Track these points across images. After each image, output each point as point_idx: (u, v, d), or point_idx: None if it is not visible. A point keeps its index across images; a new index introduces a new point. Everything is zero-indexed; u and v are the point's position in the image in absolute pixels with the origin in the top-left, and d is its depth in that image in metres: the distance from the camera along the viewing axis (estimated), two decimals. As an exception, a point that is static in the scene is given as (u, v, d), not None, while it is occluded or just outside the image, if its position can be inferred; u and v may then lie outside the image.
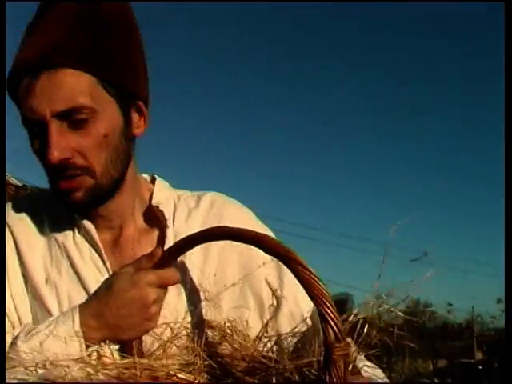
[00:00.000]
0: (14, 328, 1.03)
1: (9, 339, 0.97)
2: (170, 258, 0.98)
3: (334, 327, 0.76)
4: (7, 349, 0.95)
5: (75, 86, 0.95)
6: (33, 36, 0.98)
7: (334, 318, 0.76)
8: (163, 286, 0.97)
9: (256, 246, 0.88)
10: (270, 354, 0.92)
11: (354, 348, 0.85)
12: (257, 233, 0.89)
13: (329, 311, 0.76)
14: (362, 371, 0.89)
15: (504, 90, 1.61)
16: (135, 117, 1.05)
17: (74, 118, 0.96)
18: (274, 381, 0.84)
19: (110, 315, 0.94)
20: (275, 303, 1.05)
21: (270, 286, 1.06)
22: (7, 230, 1.10)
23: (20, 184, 10.63)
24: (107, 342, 0.95)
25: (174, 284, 1.00)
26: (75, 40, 0.96)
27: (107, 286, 0.98)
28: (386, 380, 0.98)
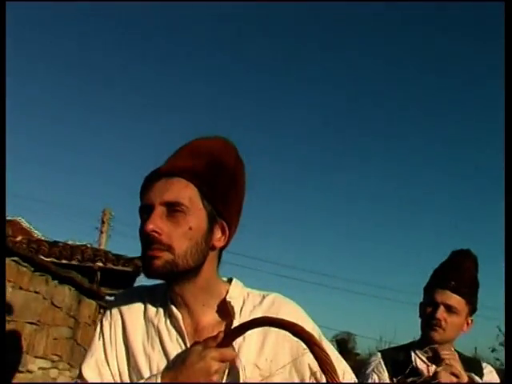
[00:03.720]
0: None
1: None
2: (229, 339, 1.21)
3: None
4: None
5: (182, 189, 1.27)
6: (171, 160, 1.33)
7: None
8: (224, 361, 1.20)
9: (286, 330, 1.10)
10: None
11: None
12: (288, 321, 1.12)
13: (333, 378, 1.01)
14: None
15: (504, 90, 1.75)
16: (218, 232, 1.32)
17: (173, 209, 1.26)
18: None
19: (183, 380, 1.18)
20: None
21: (311, 370, 1.29)
22: (119, 314, 1.40)
23: (47, 239, 11.38)
24: None
25: (232, 359, 1.23)
26: (198, 168, 1.30)
27: (182, 358, 1.22)
28: None
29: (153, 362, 1.31)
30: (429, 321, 2.11)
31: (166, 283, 1.36)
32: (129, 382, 1.32)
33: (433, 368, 1.97)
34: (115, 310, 1.41)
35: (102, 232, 16.29)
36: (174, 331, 1.33)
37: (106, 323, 1.40)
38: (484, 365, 2.20)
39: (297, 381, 1.29)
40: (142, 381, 1.26)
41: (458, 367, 1.90)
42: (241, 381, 1.24)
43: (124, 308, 1.41)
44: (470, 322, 2.17)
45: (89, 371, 1.33)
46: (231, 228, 1.34)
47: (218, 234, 1.32)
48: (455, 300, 2.10)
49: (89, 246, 11.23)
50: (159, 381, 1.20)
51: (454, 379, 1.87)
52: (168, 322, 1.35)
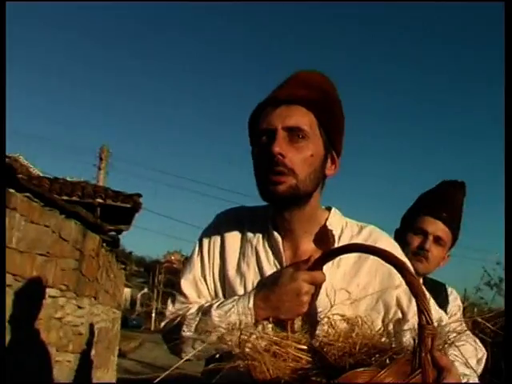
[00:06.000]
0: (212, 299, 1.38)
1: (206, 305, 1.31)
2: (321, 263, 1.24)
3: (426, 314, 0.97)
4: (201, 314, 1.28)
5: (303, 116, 1.30)
6: (283, 89, 1.35)
7: (427, 308, 0.98)
8: (313, 284, 1.24)
9: (380, 257, 1.10)
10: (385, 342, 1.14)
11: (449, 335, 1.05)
12: (383, 249, 1.13)
13: (423, 303, 0.99)
14: (451, 355, 1.05)
15: (504, 89, 1.69)
16: (329, 161, 1.36)
17: (295, 134, 1.29)
18: (386, 360, 1.02)
19: (274, 299, 1.23)
20: (400, 315, 1.31)
21: (398, 303, 1.31)
22: (217, 233, 1.43)
23: (46, 175, 11.27)
24: (270, 319, 1.24)
25: (321, 283, 1.25)
26: (314, 98, 1.32)
27: (274, 279, 1.27)
28: (468, 371, 1.14)
29: (248, 281, 1.35)
30: (416, 250, 2.01)
31: (267, 205, 1.38)
32: (222, 298, 1.37)
33: None
34: (214, 229, 1.46)
35: (100, 169, 16.39)
36: (271, 253, 1.37)
37: (205, 240, 1.45)
38: (450, 290, 2.14)
39: (382, 310, 1.33)
40: (236, 297, 1.30)
41: None
42: (328, 303, 1.27)
43: (223, 227, 1.44)
44: (446, 257, 2.09)
45: (187, 287, 1.41)
46: (339, 158, 1.39)
47: (329, 163, 1.36)
48: (445, 232, 2.02)
49: (88, 182, 11.38)
50: (252, 299, 1.25)
51: None
52: (266, 243, 1.39)
